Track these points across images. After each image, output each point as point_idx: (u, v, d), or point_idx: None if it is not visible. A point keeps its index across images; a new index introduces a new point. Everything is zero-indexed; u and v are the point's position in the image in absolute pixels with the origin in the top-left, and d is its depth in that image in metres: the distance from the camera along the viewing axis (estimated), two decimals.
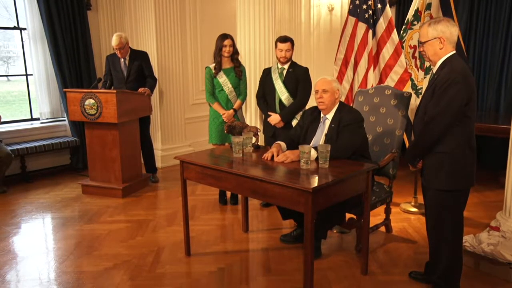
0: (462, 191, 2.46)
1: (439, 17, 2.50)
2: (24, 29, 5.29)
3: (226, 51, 4.00)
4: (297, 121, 3.84)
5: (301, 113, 3.82)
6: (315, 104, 3.12)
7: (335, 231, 3.60)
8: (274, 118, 3.91)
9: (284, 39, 3.81)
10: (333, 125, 2.98)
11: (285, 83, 3.88)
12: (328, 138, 2.96)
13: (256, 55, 4.56)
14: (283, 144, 3.06)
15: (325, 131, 3.02)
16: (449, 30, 2.36)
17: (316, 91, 3.02)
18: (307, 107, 3.64)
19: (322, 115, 3.08)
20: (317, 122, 3.11)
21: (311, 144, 3.02)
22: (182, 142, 6.01)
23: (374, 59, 4.31)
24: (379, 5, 4.23)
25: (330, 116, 3.03)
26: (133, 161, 4.75)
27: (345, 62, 4.54)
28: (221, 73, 4.07)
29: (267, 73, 4.02)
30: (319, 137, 3.05)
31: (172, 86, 5.80)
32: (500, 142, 4.66)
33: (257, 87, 4.16)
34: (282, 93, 3.88)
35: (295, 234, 3.41)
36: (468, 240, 3.00)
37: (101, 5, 5.75)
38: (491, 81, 5.44)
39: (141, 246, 3.40)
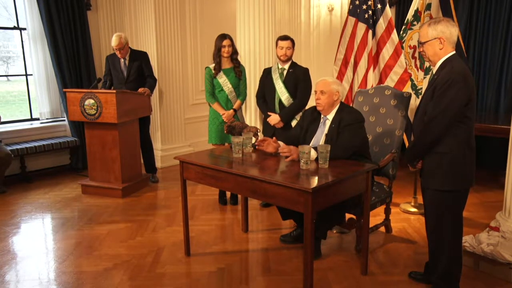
0: (462, 192, 2.46)
1: (439, 17, 2.50)
2: (24, 29, 5.28)
3: (225, 51, 4.00)
4: (296, 122, 3.84)
5: (301, 113, 3.82)
6: (315, 104, 3.12)
7: (335, 231, 3.60)
8: (274, 118, 3.91)
9: (285, 37, 3.85)
10: (333, 125, 2.98)
11: (286, 83, 3.88)
12: (329, 139, 2.96)
13: (256, 56, 4.55)
14: (282, 144, 3.06)
15: (326, 131, 3.02)
16: (449, 30, 2.36)
17: (315, 92, 3.03)
18: (307, 107, 3.64)
19: (322, 115, 3.08)
20: (317, 122, 3.11)
21: (311, 144, 3.02)
22: (182, 142, 6.01)
23: (374, 60, 4.32)
24: (379, 5, 4.23)
25: (330, 116, 3.03)
26: (133, 161, 4.75)
27: (345, 63, 4.54)
28: (221, 73, 4.07)
29: (267, 73, 4.02)
30: (319, 137, 3.05)
31: (172, 86, 5.79)
32: (500, 142, 4.66)
33: (257, 87, 4.16)
34: (283, 94, 3.88)
35: (295, 234, 3.41)
36: (467, 240, 3.00)
37: (101, 5, 5.75)
38: (491, 81, 5.43)
39: (141, 246, 3.40)
